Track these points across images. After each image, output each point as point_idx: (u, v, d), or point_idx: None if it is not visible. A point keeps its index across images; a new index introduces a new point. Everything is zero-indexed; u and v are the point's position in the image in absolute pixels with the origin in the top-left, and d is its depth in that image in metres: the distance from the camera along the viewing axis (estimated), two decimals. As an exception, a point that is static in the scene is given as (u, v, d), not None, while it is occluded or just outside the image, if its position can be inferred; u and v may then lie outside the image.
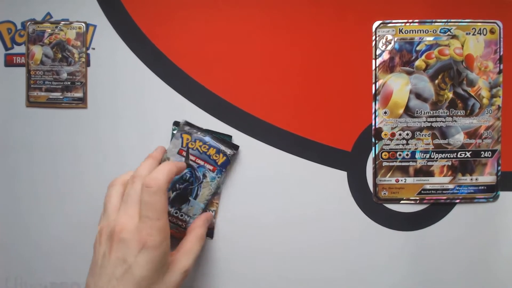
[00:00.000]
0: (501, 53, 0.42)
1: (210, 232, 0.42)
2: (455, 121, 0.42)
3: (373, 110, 0.42)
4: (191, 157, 0.41)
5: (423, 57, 0.42)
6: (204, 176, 0.41)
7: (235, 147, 0.42)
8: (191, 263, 0.36)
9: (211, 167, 0.41)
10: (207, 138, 0.42)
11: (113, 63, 0.43)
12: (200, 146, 0.41)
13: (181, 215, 0.41)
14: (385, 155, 0.42)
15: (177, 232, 0.41)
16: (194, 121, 0.43)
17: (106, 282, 0.32)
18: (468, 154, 0.42)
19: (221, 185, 0.42)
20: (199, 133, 0.42)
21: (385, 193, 0.43)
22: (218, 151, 0.41)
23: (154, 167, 0.37)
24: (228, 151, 0.42)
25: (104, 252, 0.33)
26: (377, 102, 0.42)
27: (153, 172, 0.35)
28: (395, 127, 0.42)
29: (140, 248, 0.32)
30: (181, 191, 0.41)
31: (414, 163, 0.42)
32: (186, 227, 0.41)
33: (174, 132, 0.42)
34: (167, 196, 0.35)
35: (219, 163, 0.41)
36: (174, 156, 0.41)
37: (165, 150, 0.41)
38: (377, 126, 0.42)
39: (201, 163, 0.41)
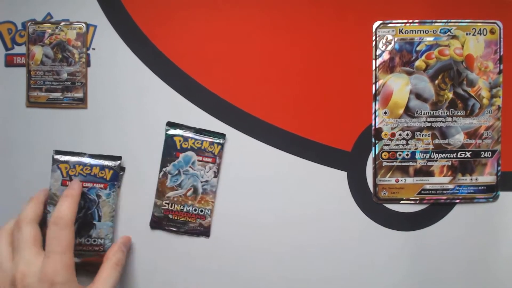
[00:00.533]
0: (501, 53, 0.42)
1: (206, 231, 0.43)
2: (455, 121, 0.42)
3: (373, 110, 0.42)
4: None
5: (423, 57, 0.42)
6: (99, 196, 0.41)
7: (117, 158, 0.42)
8: None
9: (101, 185, 0.41)
10: (86, 159, 0.42)
11: (113, 63, 0.43)
12: (82, 170, 0.41)
13: (94, 240, 0.41)
14: (385, 155, 0.42)
15: (98, 257, 0.41)
16: (194, 121, 0.43)
17: None
18: (468, 154, 0.42)
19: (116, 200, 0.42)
20: (75, 157, 0.41)
21: (385, 193, 0.43)
22: (102, 167, 0.41)
23: (39, 209, 0.37)
24: (112, 164, 0.42)
25: None
26: (377, 102, 0.42)
27: (56, 210, 0.35)
28: (395, 127, 0.42)
29: (48, 287, 0.33)
30: (82, 219, 0.41)
31: (414, 163, 0.42)
32: (104, 249, 0.41)
33: (168, 132, 0.42)
34: (73, 231, 0.36)
35: (108, 179, 0.41)
36: (59, 189, 0.41)
37: (47, 191, 0.41)
38: (377, 126, 0.42)
39: (90, 185, 0.41)
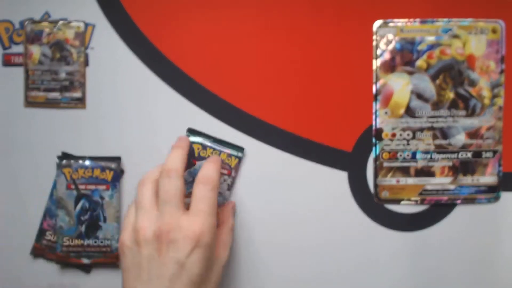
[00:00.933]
0: (503, 53, 0.41)
1: None
2: (456, 121, 0.42)
3: (374, 110, 0.42)
4: (81, 186, 0.41)
5: (424, 57, 0.41)
6: (102, 197, 0.41)
7: (117, 159, 0.42)
8: (228, 254, 0.37)
9: (103, 187, 0.41)
10: (87, 163, 0.42)
11: (112, 63, 0.43)
12: (84, 173, 0.41)
13: (101, 241, 0.41)
14: (386, 155, 0.42)
15: (106, 258, 0.41)
16: (194, 121, 0.43)
17: (159, 284, 0.31)
18: (469, 155, 0.42)
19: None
20: (79, 161, 0.42)
21: (385, 194, 0.42)
22: (103, 169, 0.41)
23: (185, 160, 0.36)
24: (113, 165, 0.42)
25: (150, 254, 0.32)
26: (377, 102, 0.42)
27: (205, 171, 0.35)
28: (396, 128, 0.42)
29: (193, 247, 0.32)
30: (89, 222, 0.41)
31: (415, 164, 0.42)
32: (112, 250, 0.41)
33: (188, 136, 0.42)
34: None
35: (109, 180, 0.41)
36: (64, 193, 0.41)
37: (188, 140, 0.40)
38: (377, 127, 0.42)
39: (93, 187, 0.41)
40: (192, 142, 0.41)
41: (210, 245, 0.33)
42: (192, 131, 0.42)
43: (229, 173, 0.41)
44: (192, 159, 0.41)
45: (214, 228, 0.34)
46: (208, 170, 0.36)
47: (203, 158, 0.41)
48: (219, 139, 0.42)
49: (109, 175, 0.41)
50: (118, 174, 0.42)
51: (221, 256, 0.36)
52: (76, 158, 0.42)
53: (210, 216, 0.33)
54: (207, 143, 0.41)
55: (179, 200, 0.34)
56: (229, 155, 0.41)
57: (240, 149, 0.42)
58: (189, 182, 0.40)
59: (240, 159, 0.42)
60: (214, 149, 0.41)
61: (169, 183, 0.34)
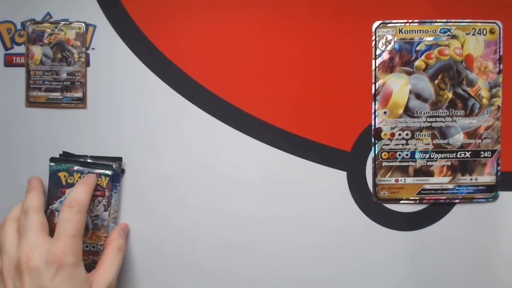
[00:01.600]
0: (501, 53, 0.42)
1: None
2: (454, 121, 0.42)
3: (373, 110, 0.42)
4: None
5: (423, 57, 0.42)
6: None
7: (118, 159, 0.42)
8: (113, 276, 0.36)
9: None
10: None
11: (113, 63, 0.43)
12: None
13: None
14: (385, 155, 0.42)
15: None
16: (194, 121, 0.43)
17: None
18: (467, 154, 0.42)
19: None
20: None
21: (384, 193, 0.43)
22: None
23: (42, 198, 0.37)
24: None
25: (14, 286, 0.32)
26: (376, 102, 0.42)
27: (72, 193, 0.36)
28: (395, 127, 0.42)
29: (56, 269, 0.32)
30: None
31: (413, 163, 0.42)
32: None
33: (51, 168, 0.41)
34: (85, 217, 0.36)
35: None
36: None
37: (40, 179, 0.40)
38: (376, 126, 0.42)
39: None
40: (58, 171, 0.40)
41: (75, 266, 0.33)
42: (55, 160, 0.41)
43: (102, 193, 0.41)
44: (60, 189, 0.40)
45: (79, 250, 0.34)
46: (75, 192, 0.36)
47: (72, 185, 0.40)
48: (86, 161, 0.41)
49: (105, 181, 0.41)
50: (119, 175, 0.42)
51: (104, 277, 0.36)
52: (74, 159, 0.42)
53: (74, 238, 0.34)
54: (74, 168, 0.41)
55: (39, 230, 0.34)
56: (99, 175, 0.40)
57: (109, 167, 0.41)
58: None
59: (111, 176, 0.41)
60: (82, 173, 0.40)
61: (26, 219, 0.35)
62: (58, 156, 0.42)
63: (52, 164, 0.41)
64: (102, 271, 0.36)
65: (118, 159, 0.42)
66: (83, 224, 0.35)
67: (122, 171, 0.43)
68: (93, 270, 0.37)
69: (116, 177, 0.41)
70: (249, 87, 0.43)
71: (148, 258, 0.43)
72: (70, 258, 0.33)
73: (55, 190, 0.40)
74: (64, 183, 0.40)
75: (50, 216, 0.39)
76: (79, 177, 0.40)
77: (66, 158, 0.42)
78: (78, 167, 0.41)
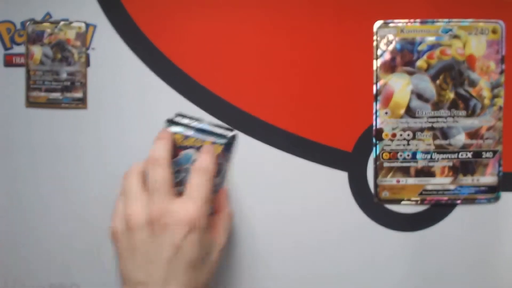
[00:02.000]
0: (503, 53, 0.41)
1: None
2: (456, 121, 0.42)
3: (374, 111, 0.42)
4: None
5: (424, 57, 0.41)
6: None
7: (230, 130, 0.40)
8: (225, 240, 0.36)
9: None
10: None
11: (113, 63, 0.43)
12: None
13: None
14: (386, 155, 0.42)
15: None
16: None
17: (157, 268, 0.32)
18: (469, 155, 0.42)
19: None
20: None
21: (386, 194, 0.42)
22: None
23: (170, 148, 0.36)
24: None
25: (144, 239, 0.32)
26: (378, 102, 0.42)
27: (200, 160, 0.36)
28: (396, 128, 0.42)
29: (188, 230, 0.32)
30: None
31: (415, 164, 0.42)
32: None
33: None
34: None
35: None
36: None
37: (171, 133, 0.39)
38: (378, 127, 0.42)
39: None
40: (174, 133, 0.40)
41: (204, 230, 0.33)
42: (172, 122, 0.41)
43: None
44: (176, 149, 0.39)
45: (207, 215, 0.34)
46: (204, 160, 0.36)
47: (186, 148, 0.40)
48: (200, 127, 0.40)
49: (218, 149, 0.39)
50: (231, 145, 0.40)
51: (218, 241, 0.36)
52: (190, 121, 0.40)
53: (205, 203, 0.34)
54: (189, 132, 0.40)
55: (169, 188, 0.34)
56: (213, 143, 0.40)
57: (223, 136, 0.40)
58: (175, 171, 0.39)
59: (225, 145, 0.40)
60: (196, 138, 0.40)
61: (157, 172, 0.34)
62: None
63: (169, 124, 0.40)
64: (216, 234, 0.36)
65: (230, 129, 0.41)
66: (210, 192, 0.35)
67: (233, 140, 0.41)
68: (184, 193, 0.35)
69: (228, 146, 0.40)
70: (250, 87, 0.43)
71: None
72: (201, 222, 0.33)
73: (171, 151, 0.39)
74: (178, 145, 0.39)
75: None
76: (194, 141, 0.39)
77: (181, 120, 0.40)
78: (194, 133, 0.40)
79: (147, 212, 0.33)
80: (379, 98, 0.42)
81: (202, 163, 0.36)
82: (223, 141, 0.40)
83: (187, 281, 0.32)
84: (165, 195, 0.33)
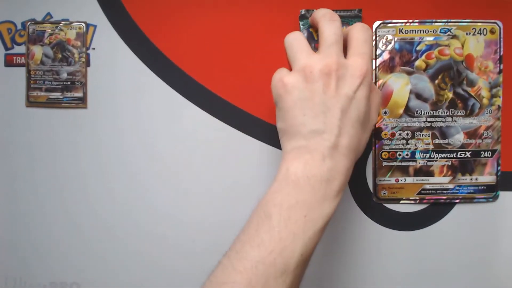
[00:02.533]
0: (501, 53, 0.42)
1: None
2: (455, 121, 0.42)
3: (373, 110, 0.42)
4: None
5: (423, 57, 0.42)
6: None
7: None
8: (376, 118, 0.36)
9: None
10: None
11: (113, 63, 0.43)
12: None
13: None
14: (385, 155, 0.42)
15: None
16: (194, 121, 0.43)
17: (332, 116, 0.32)
18: (468, 154, 0.42)
19: None
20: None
21: (384, 193, 0.43)
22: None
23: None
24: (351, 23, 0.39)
25: (320, 88, 0.32)
26: (377, 102, 0.42)
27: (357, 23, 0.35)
28: (395, 127, 0.42)
29: (359, 83, 0.32)
30: None
31: (414, 163, 0.42)
32: None
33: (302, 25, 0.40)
34: None
35: None
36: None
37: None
38: (377, 126, 0.42)
39: None
40: (310, 26, 0.39)
41: (371, 86, 0.34)
42: (303, 18, 0.40)
43: None
44: (313, 44, 0.39)
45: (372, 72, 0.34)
46: (359, 23, 0.35)
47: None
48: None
49: None
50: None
51: (372, 117, 0.35)
52: None
53: (371, 59, 0.34)
54: None
55: (342, 44, 0.34)
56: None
57: (353, 19, 0.40)
58: None
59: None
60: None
61: (336, 26, 0.34)
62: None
63: (303, 21, 0.40)
64: (372, 112, 0.35)
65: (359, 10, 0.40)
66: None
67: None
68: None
69: None
70: (249, 87, 0.43)
71: (153, 254, 0.43)
72: (370, 77, 0.33)
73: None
74: (316, 38, 0.39)
75: None
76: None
77: (311, 14, 0.39)
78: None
79: (322, 64, 0.32)
80: (378, 97, 0.42)
81: (358, 24, 0.35)
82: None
83: (354, 134, 0.32)
84: (339, 50, 0.33)
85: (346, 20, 0.40)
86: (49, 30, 0.43)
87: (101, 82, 0.44)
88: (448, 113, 0.42)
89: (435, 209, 0.43)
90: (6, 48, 0.44)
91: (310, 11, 0.41)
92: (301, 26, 0.41)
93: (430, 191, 0.42)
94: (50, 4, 0.44)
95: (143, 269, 0.43)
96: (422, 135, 0.42)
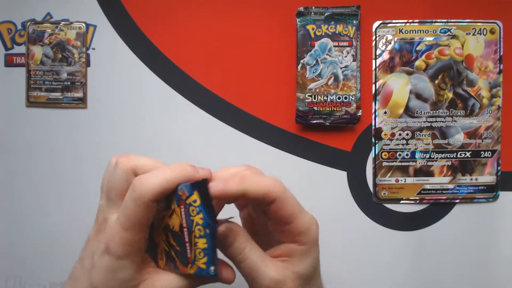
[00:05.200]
0: (501, 53, 0.42)
1: (353, 119, 0.41)
2: (455, 121, 0.42)
3: (373, 110, 0.42)
4: None
5: (423, 57, 0.42)
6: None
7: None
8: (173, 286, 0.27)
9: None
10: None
11: (113, 63, 0.43)
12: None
13: None
14: (385, 155, 0.42)
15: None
16: (194, 121, 0.43)
17: (82, 262, 0.28)
18: (468, 154, 0.42)
19: None
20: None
21: (385, 193, 0.43)
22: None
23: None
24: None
25: (94, 228, 0.29)
26: (377, 102, 0.42)
27: (149, 174, 0.26)
28: (395, 127, 0.42)
29: (104, 250, 0.27)
30: None
31: (414, 163, 0.42)
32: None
33: (299, 22, 0.39)
34: (152, 210, 0.25)
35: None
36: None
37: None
38: (377, 126, 0.42)
39: None
40: (305, 24, 0.38)
41: (120, 259, 0.27)
42: (301, 14, 0.39)
43: (350, 44, 0.40)
44: (309, 42, 0.39)
45: (129, 246, 0.27)
46: (151, 174, 0.27)
47: (320, 37, 0.39)
48: (330, 14, 0.39)
49: (351, 31, 0.39)
50: (359, 24, 0.39)
51: (159, 283, 0.28)
52: (318, 10, 0.39)
53: (126, 231, 0.26)
54: (321, 21, 0.39)
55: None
56: (345, 26, 0.39)
57: (354, 16, 0.40)
58: (313, 65, 0.38)
59: (357, 26, 0.40)
60: (329, 25, 0.39)
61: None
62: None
63: (300, 17, 0.40)
64: (159, 276, 0.28)
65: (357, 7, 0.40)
66: (140, 218, 0.26)
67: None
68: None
69: (358, 26, 0.40)
70: (249, 87, 0.43)
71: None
72: (113, 249, 0.26)
73: (304, 44, 0.39)
74: (312, 35, 0.39)
75: (302, 70, 0.39)
76: (327, 29, 0.39)
77: (309, 11, 0.40)
78: (323, 20, 0.39)
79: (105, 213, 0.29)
80: (378, 97, 0.42)
81: (140, 184, 0.27)
82: (356, 21, 0.39)
83: None
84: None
85: (344, 18, 0.40)
86: (49, 30, 0.43)
87: (101, 82, 0.44)
88: (448, 113, 0.42)
89: (435, 209, 0.43)
90: (6, 48, 0.44)
91: (308, 8, 0.41)
92: (298, 23, 0.41)
93: (430, 191, 0.42)
94: (50, 4, 0.43)
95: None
96: (422, 135, 0.42)
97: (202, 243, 0.24)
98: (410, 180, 0.42)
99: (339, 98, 0.41)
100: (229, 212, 0.29)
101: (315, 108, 0.41)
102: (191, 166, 0.27)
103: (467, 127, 0.42)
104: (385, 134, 0.42)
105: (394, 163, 0.42)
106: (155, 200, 0.25)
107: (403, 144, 0.42)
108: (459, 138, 0.42)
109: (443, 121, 0.42)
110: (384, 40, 0.42)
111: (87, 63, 0.44)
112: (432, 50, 0.42)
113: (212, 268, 0.24)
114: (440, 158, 0.42)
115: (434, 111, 0.42)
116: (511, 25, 0.42)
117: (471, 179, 0.42)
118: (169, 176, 0.26)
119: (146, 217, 0.26)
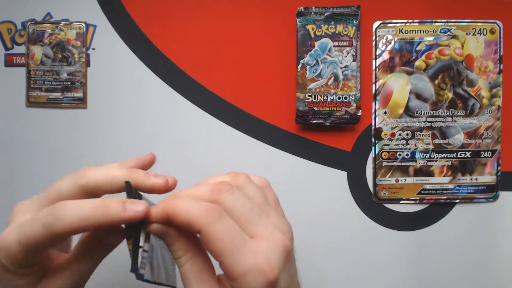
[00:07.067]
0: (501, 53, 0.42)
1: (352, 119, 0.41)
2: (455, 121, 0.42)
3: (373, 110, 0.42)
4: None
5: (423, 57, 0.42)
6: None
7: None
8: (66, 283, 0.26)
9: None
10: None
11: (113, 63, 0.43)
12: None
13: None
14: (385, 155, 0.42)
15: None
16: (194, 121, 0.43)
17: None
18: (468, 154, 0.42)
19: None
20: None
21: (385, 193, 0.43)
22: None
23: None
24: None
25: None
26: (377, 102, 0.42)
27: (72, 206, 0.24)
28: (395, 127, 0.42)
29: None
30: None
31: (414, 163, 0.42)
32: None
33: (299, 22, 0.40)
34: (57, 242, 0.24)
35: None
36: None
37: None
38: (377, 126, 0.42)
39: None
40: (305, 24, 0.39)
41: (6, 269, 0.25)
42: (301, 14, 0.39)
43: (350, 44, 0.40)
44: (309, 42, 0.39)
45: (17, 259, 0.25)
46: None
47: (320, 37, 0.39)
48: (330, 13, 0.40)
49: (351, 31, 0.39)
50: (359, 24, 0.39)
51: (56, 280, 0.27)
52: (318, 10, 0.40)
53: (19, 243, 0.25)
54: (321, 21, 0.39)
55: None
56: (345, 26, 0.39)
57: (354, 16, 0.40)
58: (313, 65, 0.38)
59: (357, 26, 0.40)
60: (329, 25, 0.39)
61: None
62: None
63: (300, 17, 0.40)
64: (55, 271, 0.27)
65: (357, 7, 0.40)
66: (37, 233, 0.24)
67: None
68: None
69: (358, 26, 0.40)
70: (249, 87, 0.43)
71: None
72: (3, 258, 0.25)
73: (304, 44, 0.39)
74: (312, 35, 0.39)
75: (302, 70, 0.39)
76: (327, 29, 0.39)
77: (309, 11, 0.40)
78: (323, 20, 0.39)
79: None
80: (378, 97, 0.42)
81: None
82: (355, 21, 0.39)
83: None
84: None
85: (344, 18, 0.40)
86: (49, 30, 0.43)
87: (101, 82, 0.44)
88: (448, 113, 0.42)
89: (435, 209, 0.43)
90: (6, 48, 0.44)
91: (308, 8, 0.41)
92: (298, 23, 0.41)
93: (430, 191, 0.42)
94: (50, 4, 0.43)
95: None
96: (422, 135, 0.42)
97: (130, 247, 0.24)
98: (410, 180, 0.42)
99: (339, 98, 0.41)
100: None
101: (315, 108, 0.41)
102: (120, 203, 0.24)
103: (467, 127, 0.42)
104: (385, 134, 0.42)
105: (394, 163, 0.42)
106: (62, 236, 0.23)
107: (403, 144, 0.42)
108: (459, 138, 0.42)
109: (443, 121, 0.42)
110: (384, 40, 0.42)
111: (87, 63, 0.44)
112: (432, 50, 0.42)
113: (135, 273, 0.24)
114: (440, 158, 0.42)
115: (434, 111, 0.42)
116: (511, 25, 0.42)
117: (471, 179, 0.42)
118: (87, 217, 0.23)
119: (48, 245, 0.24)
